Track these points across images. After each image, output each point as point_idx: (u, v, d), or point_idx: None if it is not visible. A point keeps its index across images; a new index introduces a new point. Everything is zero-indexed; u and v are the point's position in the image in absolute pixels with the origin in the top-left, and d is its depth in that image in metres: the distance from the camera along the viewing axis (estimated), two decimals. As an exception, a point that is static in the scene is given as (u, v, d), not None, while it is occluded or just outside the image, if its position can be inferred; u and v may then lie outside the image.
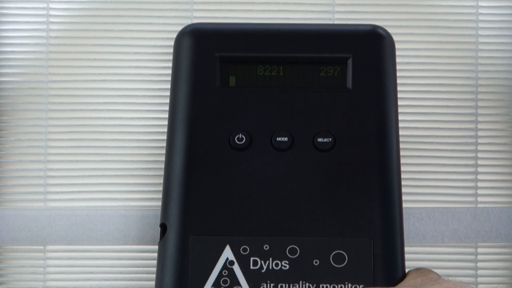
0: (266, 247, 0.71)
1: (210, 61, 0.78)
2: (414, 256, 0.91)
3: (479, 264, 0.92)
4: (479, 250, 0.92)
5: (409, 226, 0.90)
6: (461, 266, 0.91)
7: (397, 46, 0.81)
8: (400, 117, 0.86)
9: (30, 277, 0.92)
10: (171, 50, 0.80)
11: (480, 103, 0.92)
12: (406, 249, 0.77)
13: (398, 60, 0.81)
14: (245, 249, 0.71)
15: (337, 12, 0.92)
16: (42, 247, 0.91)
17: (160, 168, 0.77)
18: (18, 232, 0.90)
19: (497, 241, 0.91)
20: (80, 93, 0.92)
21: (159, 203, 0.75)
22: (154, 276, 0.73)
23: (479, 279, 0.91)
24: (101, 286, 0.90)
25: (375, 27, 0.80)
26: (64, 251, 0.91)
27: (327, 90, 0.77)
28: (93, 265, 0.91)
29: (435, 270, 0.73)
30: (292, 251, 0.71)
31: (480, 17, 0.93)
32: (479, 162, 0.92)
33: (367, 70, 0.77)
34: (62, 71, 0.92)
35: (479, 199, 0.92)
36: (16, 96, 0.92)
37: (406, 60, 0.92)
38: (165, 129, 0.78)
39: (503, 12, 0.93)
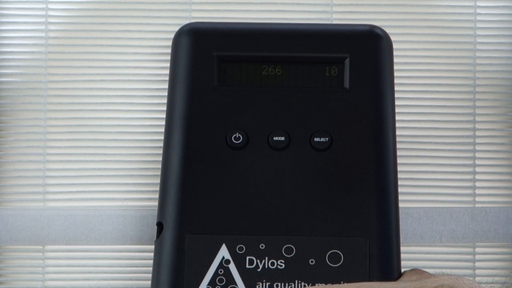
0: (262, 246, 0.71)
1: (207, 60, 0.78)
2: (412, 256, 0.91)
3: (477, 264, 0.92)
4: (477, 250, 0.92)
5: (407, 226, 0.90)
6: (459, 266, 0.91)
7: (395, 46, 0.81)
8: (398, 117, 0.87)
9: (29, 276, 0.92)
10: (170, 50, 0.80)
11: (478, 103, 0.92)
12: (404, 249, 0.77)
13: (396, 60, 0.82)
14: (241, 248, 0.71)
15: (335, 12, 0.92)
16: (41, 247, 0.92)
17: (159, 168, 0.77)
18: (17, 232, 0.90)
19: (495, 241, 0.91)
20: (79, 93, 0.92)
21: (158, 203, 0.75)
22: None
23: (477, 279, 0.91)
24: (100, 286, 0.91)
25: (373, 27, 0.80)
26: (63, 251, 0.92)
27: (324, 89, 0.77)
28: (92, 264, 0.91)
29: (433, 270, 0.73)
30: (288, 251, 0.71)
31: (478, 17, 0.93)
32: (477, 162, 0.92)
33: (365, 70, 0.77)
34: (61, 72, 0.92)
35: (477, 199, 0.92)
36: (15, 96, 0.92)
37: (404, 60, 0.92)
38: (164, 129, 0.78)
39: (501, 12, 0.93)
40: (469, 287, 0.58)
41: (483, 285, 0.60)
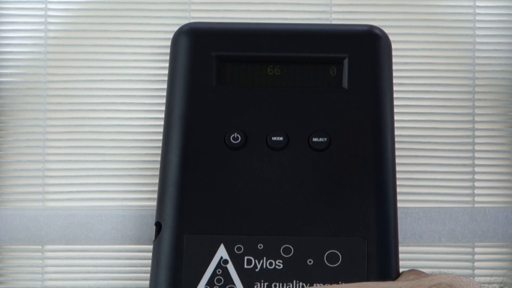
0: (260, 246, 0.71)
1: (206, 60, 0.78)
2: (411, 256, 0.91)
3: (476, 264, 0.92)
4: (476, 250, 0.92)
5: (406, 226, 0.90)
6: (458, 266, 0.91)
7: (394, 46, 0.81)
8: (398, 117, 0.86)
9: (28, 276, 0.92)
10: (169, 50, 0.80)
11: (477, 103, 0.92)
12: (403, 249, 0.77)
13: (395, 60, 0.81)
14: (239, 248, 0.71)
15: (334, 12, 0.92)
16: (41, 247, 0.92)
17: (157, 168, 0.77)
18: (17, 232, 0.90)
19: (494, 241, 0.91)
20: (78, 93, 0.92)
21: (157, 203, 0.75)
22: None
23: (476, 279, 0.91)
24: (99, 286, 0.91)
25: (372, 27, 0.80)
26: (62, 250, 0.92)
27: (323, 89, 0.77)
28: (91, 264, 0.91)
29: (432, 270, 0.73)
30: (286, 251, 0.71)
31: (477, 17, 0.93)
32: (476, 162, 0.92)
33: (363, 70, 0.77)
34: (60, 71, 0.92)
35: (476, 199, 0.92)
36: (14, 96, 0.92)
37: (403, 60, 0.92)
38: (162, 129, 0.78)
39: (500, 12, 0.93)
40: (467, 285, 0.58)
41: (482, 284, 0.60)
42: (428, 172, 0.92)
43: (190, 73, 0.77)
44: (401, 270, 0.73)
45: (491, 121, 0.92)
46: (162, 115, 0.78)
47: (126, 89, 0.92)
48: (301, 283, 0.70)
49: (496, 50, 0.93)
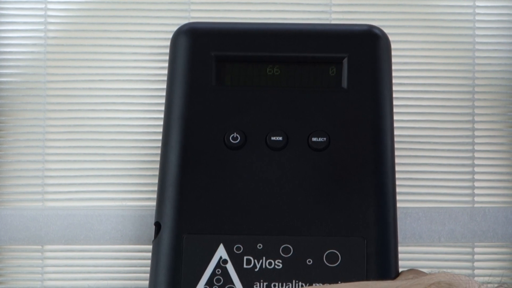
0: (259, 246, 0.71)
1: (206, 60, 0.78)
2: (410, 256, 0.91)
3: (476, 264, 0.92)
4: (476, 250, 0.92)
5: (405, 226, 0.90)
6: (458, 266, 0.91)
7: (393, 46, 0.81)
8: (397, 117, 0.86)
9: (28, 276, 0.92)
10: (168, 50, 0.80)
11: (477, 103, 0.92)
12: (403, 249, 0.77)
13: (394, 60, 0.81)
14: (238, 248, 0.71)
15: (334, 12, 0.92)
16: (40, 247, 0.92)
17: (157, 168, 0.77)
18: (16, 232, 0.90)
19: (494, 241, 0.91)
20: (78, 93, 0.92)
21: (156, 203, 0.75)
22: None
23: (476, 279, 0.91)
24: (99, 286, 0.91)
25: (371, 27, 0.80)
26: (62, 250, 0.92)
27: (322, 89, 0.77)
28: (91, 264, 0.91)
29: (431, 270, 0.73)
30: (286, 250, 0.71)
31: (477, 17, 0.93)
32: (476, 162, 0.92)
33: (363, 70, 0.77)
34: (60, 71, 0.92)
35: (476, 199, 0.92)
36: (14, 96, 0.92)
37: (402, 60, 0.92)
38: (162, 129, 0.78)
39: (500, 12, 0.93)
40: (466, 284, 0.58)
41: (480, 283, 0.60)
42: (427, 172, 0.92)
43: (189, 73, 0.77)
44: (400, 270, 0.73)
45: (491, 121, 0.92)
46: (162, 115, 0.79)
47: (125, 89, 0.92)
48: (300, 283, 0.70)
49: (496, 50, 0.93)
